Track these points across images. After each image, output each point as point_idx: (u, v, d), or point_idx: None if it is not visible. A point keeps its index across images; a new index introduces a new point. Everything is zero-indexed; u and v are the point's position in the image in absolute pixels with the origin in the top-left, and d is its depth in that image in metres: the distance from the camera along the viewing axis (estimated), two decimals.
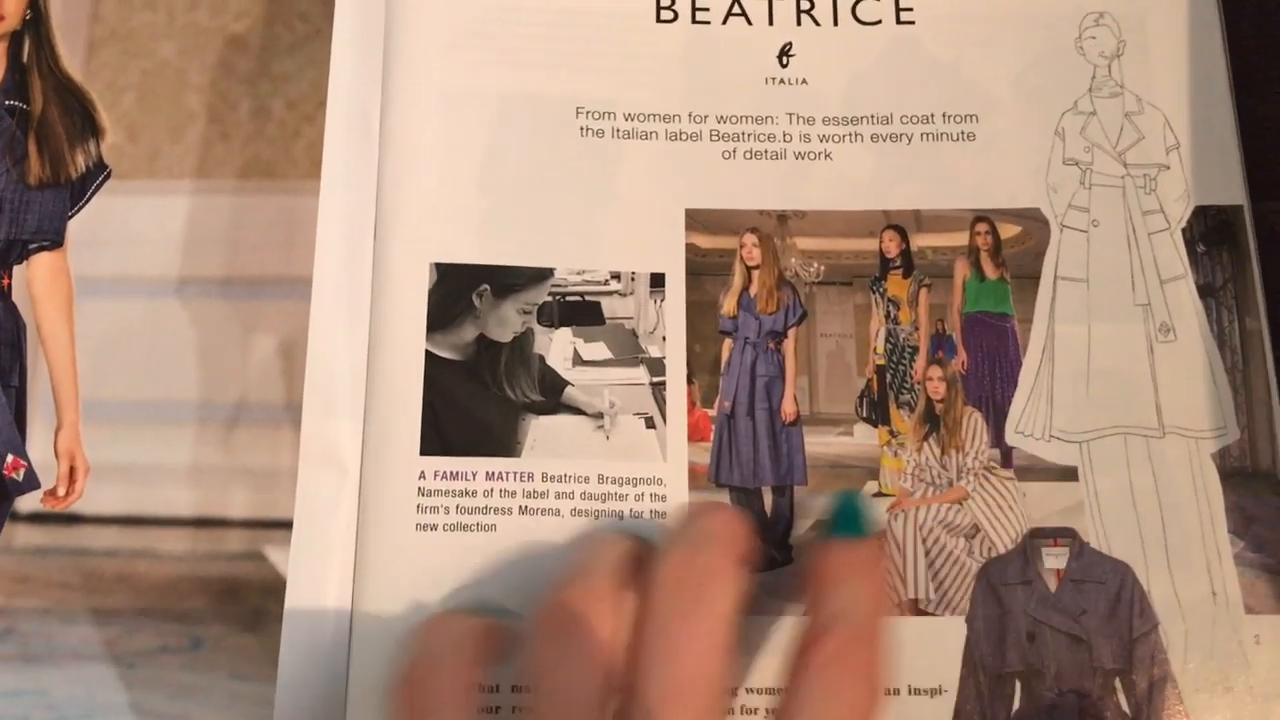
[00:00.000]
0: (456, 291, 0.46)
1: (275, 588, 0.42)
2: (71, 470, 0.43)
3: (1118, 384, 0.45)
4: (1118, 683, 0.42)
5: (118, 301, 0.45)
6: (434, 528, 0.43)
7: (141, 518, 0.43)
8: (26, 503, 0.43)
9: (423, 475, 0.44)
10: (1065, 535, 0.44)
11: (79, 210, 0.45)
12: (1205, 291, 0.46)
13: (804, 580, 0.37)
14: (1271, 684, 0.42)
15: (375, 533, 0.43)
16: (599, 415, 0.46)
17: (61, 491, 0.43)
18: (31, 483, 0.43)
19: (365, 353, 0.45)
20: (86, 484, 0.43)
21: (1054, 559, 0.43)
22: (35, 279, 0.44)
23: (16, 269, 0.45)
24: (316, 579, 0.43)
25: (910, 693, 0.42)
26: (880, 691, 0.34)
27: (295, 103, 0.48)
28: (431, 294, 0.46)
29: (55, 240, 0.45)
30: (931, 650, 0.42)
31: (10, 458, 0.43)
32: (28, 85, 0.46)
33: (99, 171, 0.46)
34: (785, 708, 0.34)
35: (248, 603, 0.42)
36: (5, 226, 0.44)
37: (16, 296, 0.44)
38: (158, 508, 0.43)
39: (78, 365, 0.44)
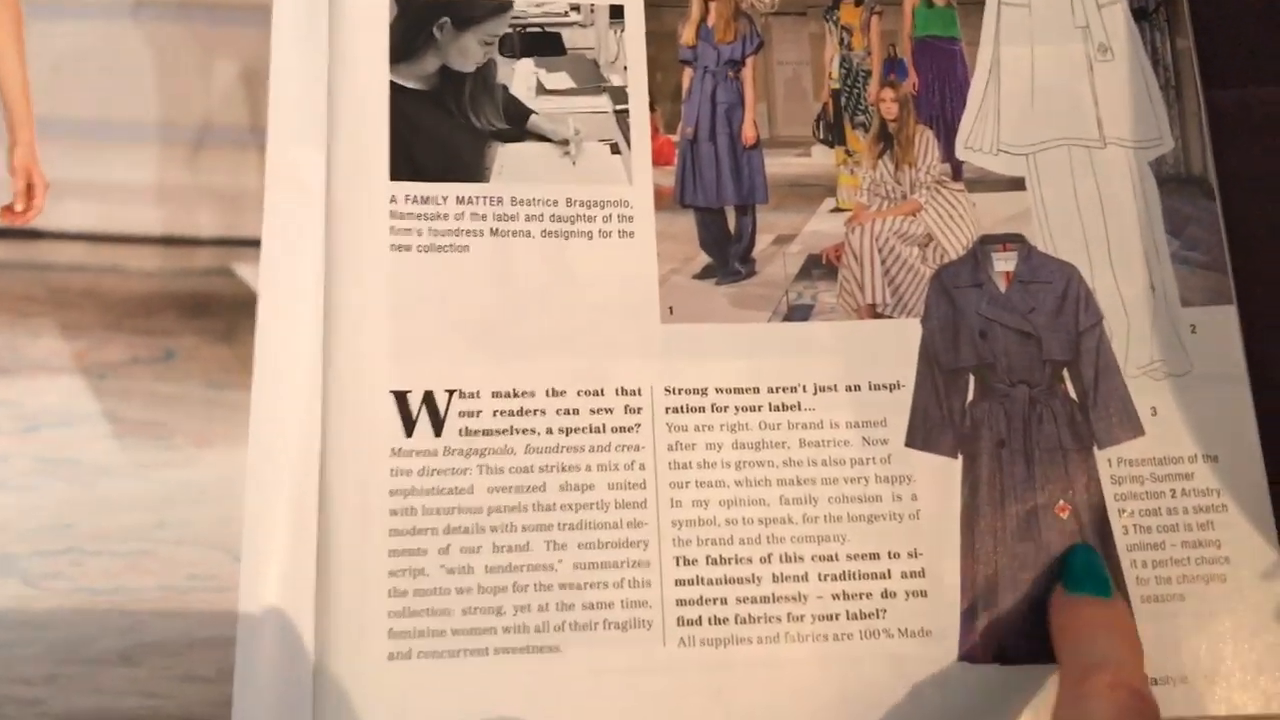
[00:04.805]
0: (417, 24, 0.46)
1: (247, 302, 0.42)
2: (29, 186, 0.42)
3: (1060, 100, 0.47)
4: (1065, 373, 0.44)
5: (71, 22, 0.44)
6: (407, 248, 0.44)
7: (107, 235, 0.43)
8: None
9: (394, 199, 0.44)
10: (1014, 240, 0.46)
11: None
12: (1139, 15, 0.48)
13: (1061, 632, 0.39)
14: (1207, 367, 0.45)
15: (348, 252, 0.43)
16: (564, 142, 0.46)
17: (19, 207, 0.42)
18: None
19: (326, 82, 0.45)
20: (46, 200, 0.42)
21: (1003, 263, 0.45)
22: None
23: None
24: (288, 293, 0.43)
25: (870, 388, 0.44)
26: None
27: None
28: (393, 27, 0.46)
29: None
30: (890, 349, 0.44)
31: None
32: None
33: None
34: None
35: (220, 316, 0.42)
36: None
37: None
38: (124, 225, 0.43)
39: (30, 84, 0.43)
